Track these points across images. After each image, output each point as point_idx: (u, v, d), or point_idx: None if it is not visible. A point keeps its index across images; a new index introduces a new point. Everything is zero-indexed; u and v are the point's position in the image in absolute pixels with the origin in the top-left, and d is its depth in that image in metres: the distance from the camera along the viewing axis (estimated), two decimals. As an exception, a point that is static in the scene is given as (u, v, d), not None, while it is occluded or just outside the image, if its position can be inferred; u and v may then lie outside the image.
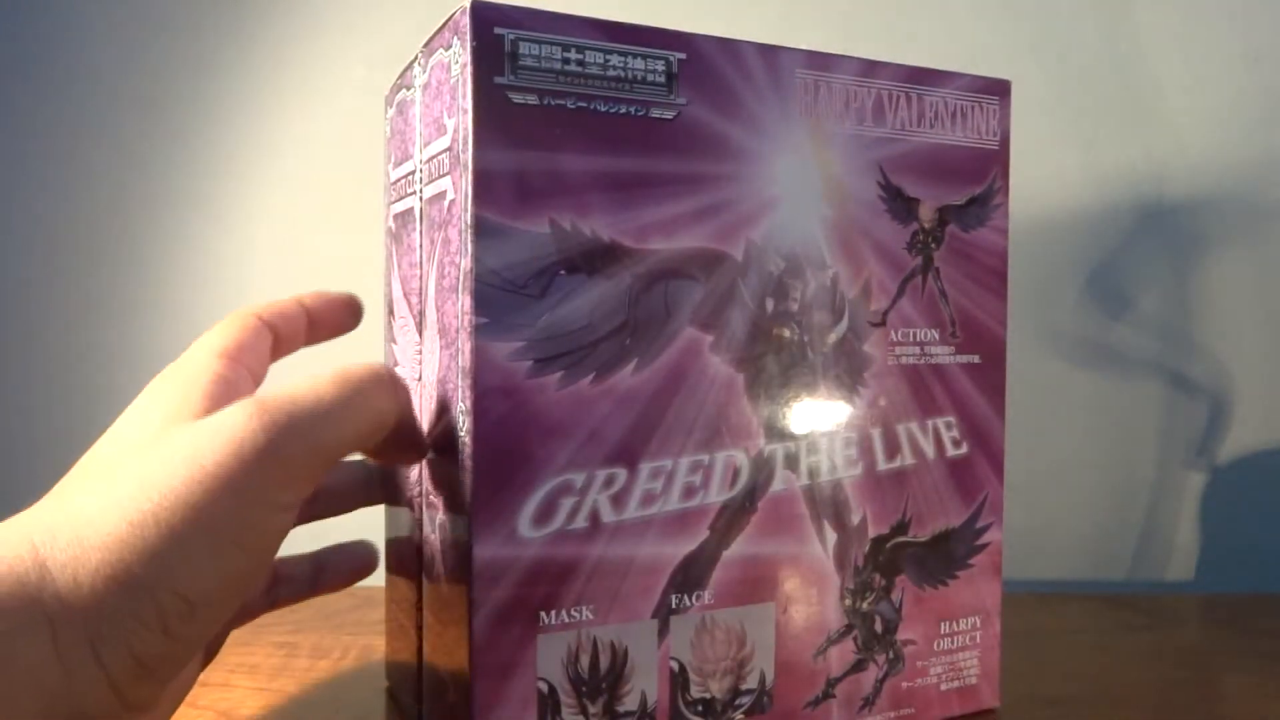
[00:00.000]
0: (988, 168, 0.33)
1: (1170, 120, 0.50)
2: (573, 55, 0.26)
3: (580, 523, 0.26)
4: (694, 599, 0.28)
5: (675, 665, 0.28)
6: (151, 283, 0.54)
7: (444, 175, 0.27)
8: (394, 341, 0.33)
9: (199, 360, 0.27)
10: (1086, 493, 0.52)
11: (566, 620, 0.26)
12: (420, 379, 0.30)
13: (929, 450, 0.32)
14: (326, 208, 0.54)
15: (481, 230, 0.25)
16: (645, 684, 0.27)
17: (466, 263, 0.25)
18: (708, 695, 0.28)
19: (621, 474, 0.27)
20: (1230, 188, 0.49)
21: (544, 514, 0.26)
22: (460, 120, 0.25)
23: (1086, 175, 0.50)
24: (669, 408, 0.27)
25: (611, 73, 0.26)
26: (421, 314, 0.29)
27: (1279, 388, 0.49)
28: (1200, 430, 0.51)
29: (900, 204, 0.31)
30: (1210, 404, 0.51)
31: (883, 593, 0.31)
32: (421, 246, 0.29)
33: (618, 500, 0.27)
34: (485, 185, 0.25)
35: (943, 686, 0.33)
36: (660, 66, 0.27)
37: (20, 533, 0.21)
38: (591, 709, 0.27)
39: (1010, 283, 0.34)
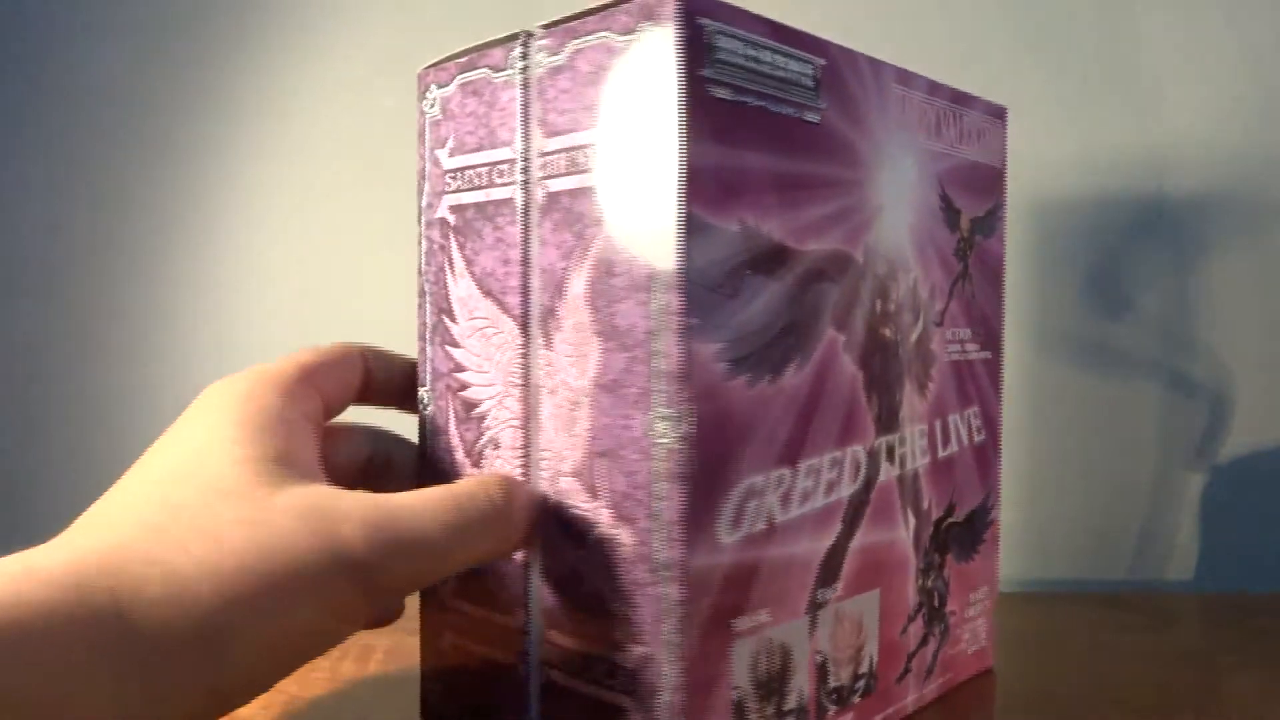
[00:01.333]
0: (997, 184, 0.36)
1: (1170, 120, 0.52)
2: (752, 52, 0.26)
3: (760, 525, 0.26)
4: (831, 591, 0.29)
5: (819, 658, 0.28)
6: (150, 281, 0.53)
7: (611, 168, 0.25)
8: (453, 345, 0.30)
9: (279, 379, 0.27)
10: (1086, 493, 0.53)
11: (750, 625, 0.26)
12: (525, 384, 0.27)
13: (965, 438, 0.35)
14: (328, 205, 0.52)
15: (691, 227, 0.24)
16: (801, 680, 0.28)
17: (674, 260, 0.24)
18: (840, 683, 0.29)
19: (787, 474, 0.27)
20: (1230, 187, 0.52)
21: (737, 518, 0.25)
22: (656, 111, 0.24)
23: (1086, 174, 0.52)
24: (818, 407, 0.28)
25: (779, 73, 0.26)
26: (544, 313, 0.27)
27: (1279, 388, 0.52)
28: (1200, 430, 0.52)
29: (952, 214, 0.34)
30: (1210, 404, 0.52)
31: (939, 570, 0.34)
32: (539, 241, 0.27)
33: (784, 500, 0.27)
34: (694, 181, 0.24)
35: (968, 650, 0.36)
36: (809, 70, 0.27)
37: (99, 565, 0.20)
38: (768, 711, 0.27)
39: (1010, 283, 0.38)
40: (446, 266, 0.30)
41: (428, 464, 0.31)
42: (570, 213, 0.26)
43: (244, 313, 0.53)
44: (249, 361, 0.52)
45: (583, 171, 0.26)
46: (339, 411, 0.30)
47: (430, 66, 0.31)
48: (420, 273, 0.31)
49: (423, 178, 0.31)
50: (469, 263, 0.29)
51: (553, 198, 0.27)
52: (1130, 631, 0.43)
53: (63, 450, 0.53)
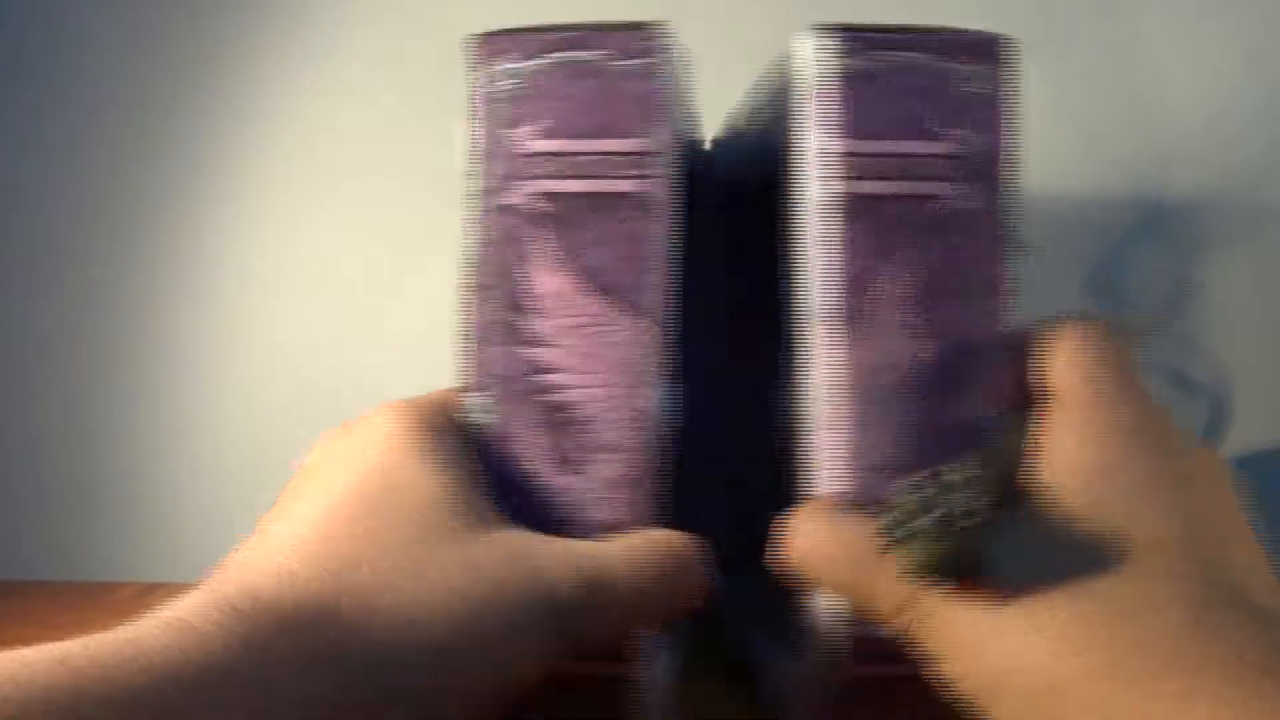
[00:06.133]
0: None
1: (1170, 120, 0.52)
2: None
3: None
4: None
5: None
6: (149, 284, 0.53)
7: (944, 180, 0.28)
8: (536, 345, 0.29)
9: (453, 408, 0.27)
10: (1088, 492, 0.54)
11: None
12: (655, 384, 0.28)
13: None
14: (330, 205, 0.52)
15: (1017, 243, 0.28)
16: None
17: (1001, 270, 0.28)
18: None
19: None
20: (1230, 187, 0.52)
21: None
22: (980, 137, 0.28)
23: (1087, 174, 0.52)
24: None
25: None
26: (840, 313, 0.28)
27: (1279, 388, 0.52)
28: (1200, 430, 0.51)
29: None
30: (1210, 404, 0.52)
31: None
32: (822, 239, 0.28)
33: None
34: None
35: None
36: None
37: (327, 614, 0.20)
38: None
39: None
40: (525, 258, 0.29)
41: (497, 474, 0.28)
42: (881, 216, 0.28)
43: (244, 314, 0.53)
44: (250, 365, 0.54)
45: (907, 179, 0.28)
46: None
47: (496, 35, 0.29)
48: (474, 265, 0.29)
49: (483, 158, 0.29)
50: (569, 255, 0.28)
51: (852, 199, 0.28)
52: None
53: (62, 453, 0.52)
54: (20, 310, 0.53)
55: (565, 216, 0.28)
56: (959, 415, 0.27)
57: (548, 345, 0.28)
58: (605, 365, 0.28)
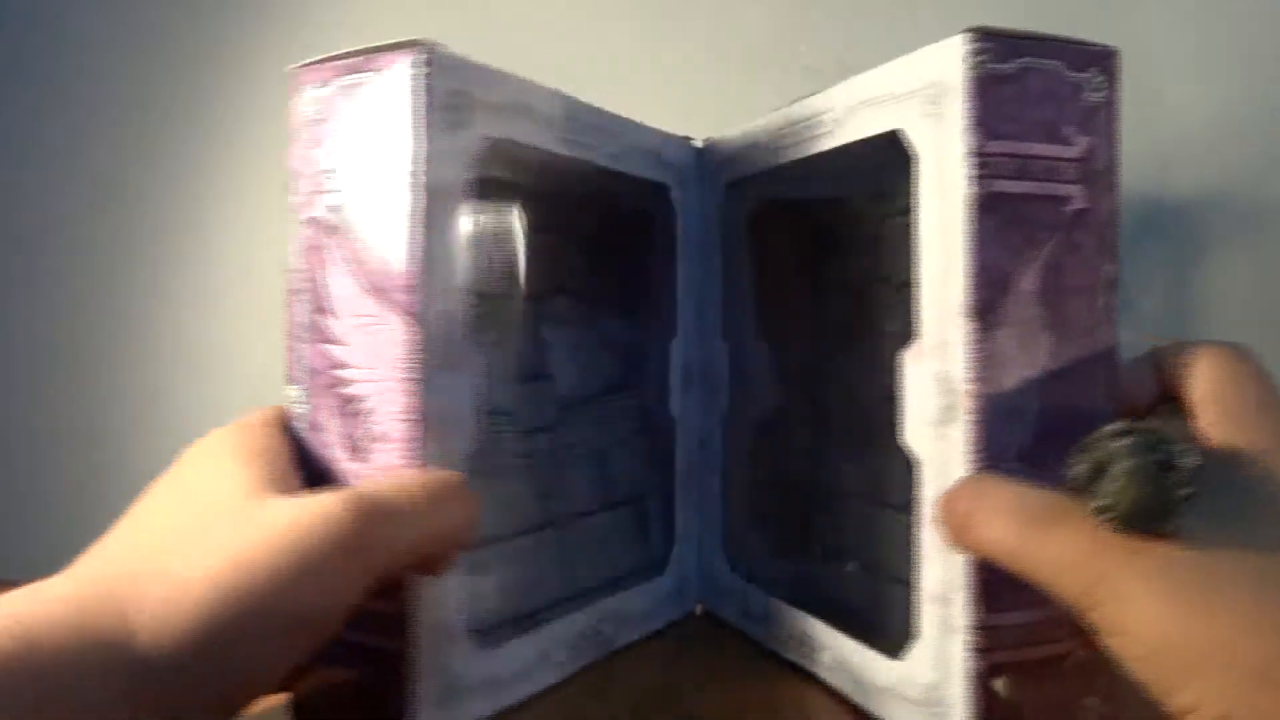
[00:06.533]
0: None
1: (1170, 120, 0.52)
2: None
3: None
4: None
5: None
6: (148, 284, 0.54)
7: (1070, 182, 0.30)
8: (333, 342, 0.30)
9: (266, 419, 0.29)
10: (1090, 493, 0.54)
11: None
12: (420, 379, 0.28)
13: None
14: None
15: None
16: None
17: (1111, 269, 0.30)
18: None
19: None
20: (1230, 187, 0.52)
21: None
22: (1099, 143, 0.30)
23: None
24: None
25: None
26: (979, 308, 0.29)
27: (1278, 388, 0.54)
28: None
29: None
30: None
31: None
32: (974, 236, 0.29)
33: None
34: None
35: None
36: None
37: (105, 587, 0.21)
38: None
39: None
40: (323, 265, 0.31)
41: (309, 462, 0.31)
42: (1021, 215, 0.29)
43: (244, 314, 0.54)
44: (250, 364, 0.54)
45: (1035, 179, 0.29)
46: None
47: (304, 66, 0.31)
48: (291, 272, 0.31)
49: (295, 176, 0.32)
50: (352, 262, 0.30)
51: (997, 197, 0.29)
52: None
53: (62, 454, 0.53)
54: (20, 310, 0.53)
55: (348, 226, 0.30)
56: (1080, 405, 0.29)
57: (341, 343, 0.30)
58: (381, 361, 0.29)
